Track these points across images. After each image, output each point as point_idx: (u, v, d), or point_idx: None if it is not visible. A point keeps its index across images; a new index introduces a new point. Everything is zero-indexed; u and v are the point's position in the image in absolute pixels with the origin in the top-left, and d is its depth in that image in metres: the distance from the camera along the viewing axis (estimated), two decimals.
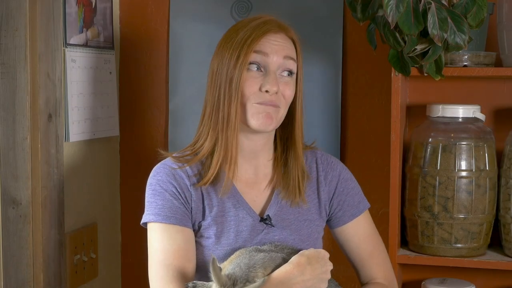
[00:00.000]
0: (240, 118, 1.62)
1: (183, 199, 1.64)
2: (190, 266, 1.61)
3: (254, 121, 1.61)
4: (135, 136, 2.45)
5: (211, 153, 1.65)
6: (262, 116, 1.61)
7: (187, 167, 1.66)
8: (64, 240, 2.11)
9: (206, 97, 1.68)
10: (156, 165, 1.70)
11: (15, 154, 1.98)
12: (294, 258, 1.55)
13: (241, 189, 1.68)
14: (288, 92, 1.64)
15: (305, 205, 1.70)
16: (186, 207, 1.64)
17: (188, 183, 1.65)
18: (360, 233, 1.75)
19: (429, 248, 2.04)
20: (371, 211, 2.27)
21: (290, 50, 1.65)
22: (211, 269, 1.48)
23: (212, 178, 1.64)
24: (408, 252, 2.08)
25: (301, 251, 1.57)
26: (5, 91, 1.97)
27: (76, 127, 2.16)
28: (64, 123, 2.11)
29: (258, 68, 1.62)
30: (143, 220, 1.66)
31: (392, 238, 2.00)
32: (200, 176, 1.66)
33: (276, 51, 1.62)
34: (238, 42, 1.61)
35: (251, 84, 1.61)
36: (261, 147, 1.69)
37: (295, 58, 1.66)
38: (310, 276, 1.53)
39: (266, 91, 1.60)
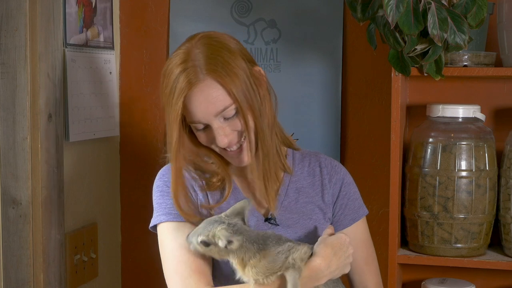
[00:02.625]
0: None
1: (190, 196, 1.65)
2: (206, 260, 1.60)
3: (231, 161, 1.65)
4: (135, 136, 2.45)
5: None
6: (233, 160, 1.64)
7: (192, 169, 1.68)
8: (64, 240, 2.11)
9: None
10: (162, 168, 1.71)
11: (15, 154, 1.98)
12: (320, 250, 1.56)
13: (245, 189, 1.69)
14: (241, 126, 1.60)
15: (274, 212, 1.68)
16: (195, 204, 1.65)
17: (193, 183, 1.67)
18: (357, 238, 1.74)
19: (429, 248, 2.04)
20: (371, 211, 2.27)
21: (217, 101, 1.56)
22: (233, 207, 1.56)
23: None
24: (408, 252, 2.08)
25: (323, 240, 1.58)
26: (5, 91, 1.97)
27: (76, 127, 2.16)
28: (64, 123, 2.11)
29: (203, 127, 1.61)
30: (153, 223, 1.65)
31: (392, 238, 2.00)
32: (205, 179, 1.68)
33: (204, 114, 1.57)
34: (168, 113, 1.59)
35: (204, 141, 1.63)
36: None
37: (227, 102, 1.57)
38: (336, 266, 1.57)
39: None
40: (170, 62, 1.60)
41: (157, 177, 1.70)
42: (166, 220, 1.63)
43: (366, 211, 1.79)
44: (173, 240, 1.61)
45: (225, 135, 1.59)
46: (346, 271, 1.62)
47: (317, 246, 1.57)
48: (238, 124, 1.60)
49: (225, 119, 1.59)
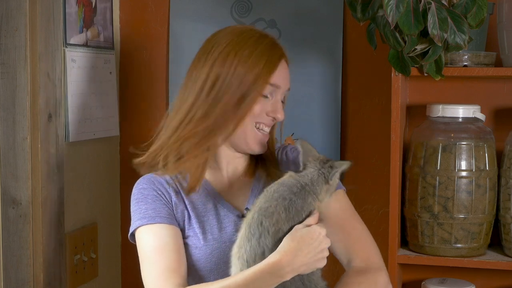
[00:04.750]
0: (233, 135, 1.64)
1: (164, 199, 1.66)
2: (179, 259, 1.60)
3: (253, 146, 1.66)
4: (135, 136, 2.45)
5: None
6: (260, 143, 1.66)
7: (166, 176, 1.69)
8: (64, 240, 2.11)
9: (187, 99, 1.65)
10: (138, 180, 1.72)
11: (15, 154, 1.98)
12: (284, 245, 1.49)
13: (220, 188, 1.70)
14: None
15: None
16: (169, 207, 1.66)
17: (167, 186, 1.68)
18: (328, 212, 1.66)
19: (429, 248, 2.04)
20: (371, 211, 2.28)
21: (288, 78, 1.70)
22: (301, 150, 1.59)
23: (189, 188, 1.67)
24: (408, 252, 2.08)
25: (293, 233, 1.51)
26: (5, 91, 1.97)
27: (76, 127, 2.16)
28: (64, 123, 2.11)
29: (267, 96, 1.65)
30: (130, 231, 1.66)
31: (392, 238, 2.00)
32: (179, 183, 1.69)
33: (285, 84, 1.67)
34: (253, 64, 1.61)
35: (260, 108, 1.64)
36: (240, 154, 1.71)
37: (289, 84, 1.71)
38: (301, 262, 1.49)
39: (273, 118, 1.66)
40: (247, 30, 1.67)
41: (134, 187, 1.70)
42: (140, 225, 1.63)
43: (340, 188, 1.72)
44: (145, 242, 1.62)
45: (283, 113, 1.67)
46: (320, 265, 1.53)
47: (284, 239, 1.51)
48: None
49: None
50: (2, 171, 1.99)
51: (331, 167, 1.56)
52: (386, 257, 2.00)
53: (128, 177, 2.46)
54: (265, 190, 1.57)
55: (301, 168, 1.58)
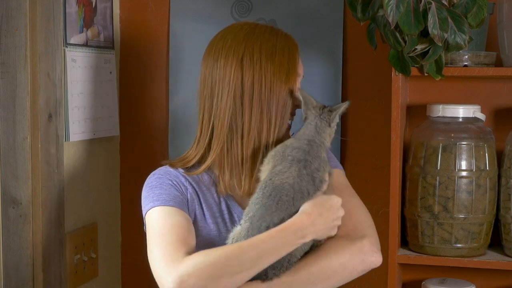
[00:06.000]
0: None
1: (179, 189, 1.65)
2: (190, 237, 1.57)
3: (284, 140, 1.66)
4: (135, 136, 2.45)
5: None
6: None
7: (180, 169, 1.69)
8: (64, 240, 2.11)
9: (220, 105, 1.64)
10: (152, 172, 1.71)
11: (15, 154, 1.98)
12: (306, 207, 1.53)
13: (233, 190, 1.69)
14: None
15: None
16: (184, 197, 1.64)
17: (183, 180, 1.67)
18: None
19: (429, 248, 2.04)
20: (371, 211, 2.26)
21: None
22: (302, 99, 1.63)
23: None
24: (408, 252, 2.08)
25: (314, 199, 1.55)
26: (5, 91, 1.97)
27: (76, 127, 2.16)
28: (64, 123, 2.11)
29: None
30: (144, 215, 1.64)
31: (392, 238, 2.00)
32: (194, 180, 1.68)
33: (302, 71, 1.70)
34: (281, 60, 1.63)
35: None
36: None
37: None
38: (321, 226, 1.53)
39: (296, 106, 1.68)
40: (256, 25, 1.68)
41: (148, 177, 1.70)
42: (153, 206, 1.61)
43: (336, 166, 1.74)
44: (156, 221, 1.59)
45: None
46: (333, 233, 1.58)
47: (306, 203, 1.55)
48: None
49: None
50: (2, 171, 1.99)
51: (330, 111, 1.63)
52: (386, 257, 1.99)
53: (128, 177, 2.46)
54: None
55: (302, 119, 1.64)
